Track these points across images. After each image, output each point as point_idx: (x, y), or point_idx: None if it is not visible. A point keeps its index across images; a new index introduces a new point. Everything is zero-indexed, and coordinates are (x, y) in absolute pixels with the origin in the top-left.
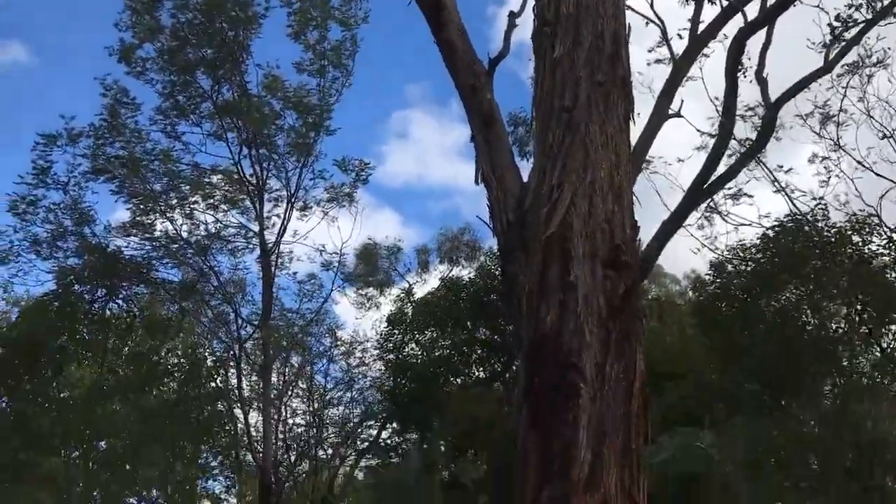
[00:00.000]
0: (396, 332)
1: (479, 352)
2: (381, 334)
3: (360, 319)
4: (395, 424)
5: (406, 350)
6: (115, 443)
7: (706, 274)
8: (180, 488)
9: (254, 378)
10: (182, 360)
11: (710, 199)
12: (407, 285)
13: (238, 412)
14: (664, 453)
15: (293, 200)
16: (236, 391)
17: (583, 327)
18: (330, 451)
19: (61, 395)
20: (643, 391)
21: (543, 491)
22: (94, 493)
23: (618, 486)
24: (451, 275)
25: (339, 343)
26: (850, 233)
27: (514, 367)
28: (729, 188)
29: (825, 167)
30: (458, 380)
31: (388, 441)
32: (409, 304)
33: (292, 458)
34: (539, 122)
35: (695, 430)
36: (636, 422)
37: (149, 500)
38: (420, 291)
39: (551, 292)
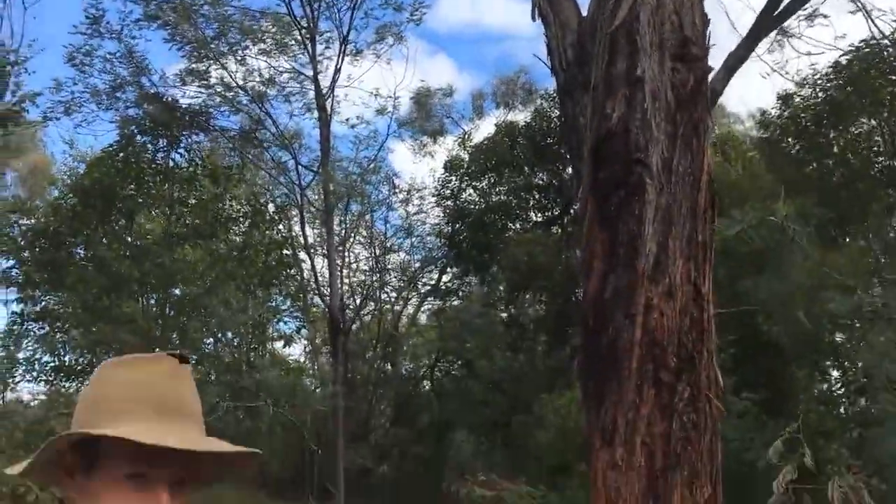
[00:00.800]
0: (454, 178)
1: (536, 196)
2: (439, 181)
3: (417, 164)
4: (454, 269)
5: (463, 196)
6: (190, 288)
7: (773, 107)
8: (253, 330)
9: (317, 224)
10: (246, 206)
11: (783, 22)
12: (462, 132)
13: (303, 256)
14: (737, 226)
15: (345, 42)
16: (301, 238)
17: (650, 122)
18: (393, 295)
19: (135, 242)
20: (710, 186)
21: (608, 283)
22: (173, 335)
23: (682, 277)
24: (507, 119)
25: (396, 190)
26: None
27: (572, 211)
28: (804, 8)
29: None
30: (516, 224)
31: (449, 284)
32: (465, 150)
33: (357, 302)
34: None
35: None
36: (702, 215)
37: (224, 341)
38: (476, 137)
39: (617, 87)
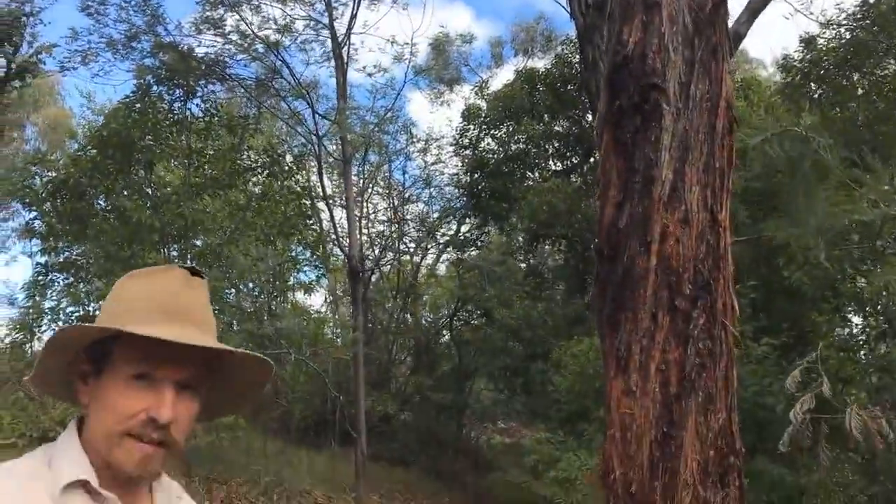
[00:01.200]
0: (472, 127)
1: (556, 145)
2: (457, 130)
3: (434, 114)
4: (473, 219)
5: (482, 145)
6: (210, 239)
7: (796, 50)
8: (274, 279)
9: (335, 175)
10: (263, 155)
11: None
12: (480, 80)
13: (322, 206)
14: (760, 135)
15: None
16: (319, 188)
17: (667, 46)
18: (412, 246)
19: (154, 193)
20: (728, 112)
21: (623, 211)
22: None
23: (699, 204)
24: (526, 66)
25: (414, 140)
26: None
27: (592, 159)
28: None
29: None
30: (535, 173)
31: (468, 235)
32: (483, 99)
33: (376, 252)
34: None
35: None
36: (721, 142)
37: (244, 291)
38: (494, 85)
39: (634, 12)
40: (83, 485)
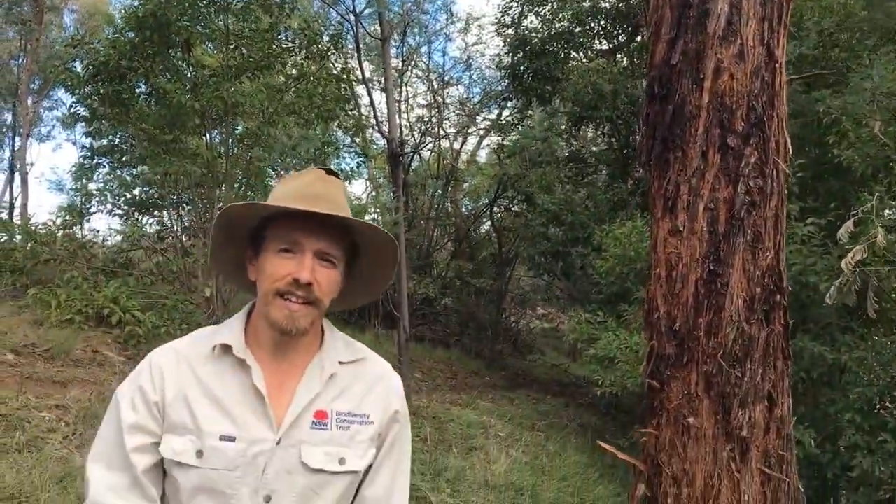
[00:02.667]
0: (514, 3)
1: (601, 22)
2: (498, 8)
3: None
4: (515, 101)
5: (525, 24)
6: (249, 124)
7: None
8: (314, 162)
9: (374, 57)
10: (301, 35)
11: None
12: None
13: (360, 90)
14: None
15: None
16: (357, 71)
17: None
18: (452, 131)
19: (194, 75)
20: None
21: (676, 47)
22: (237, 171)
23: (755, 38)
24: None
25: (454, 19)
26: None
27: (639, 38)
28: None
29: None
30: (580, 53)
31: (509, 118)
32: None
33: (417, 137)
34: None
35: None
36: None
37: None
38: None
39: None
40: (228, 349)
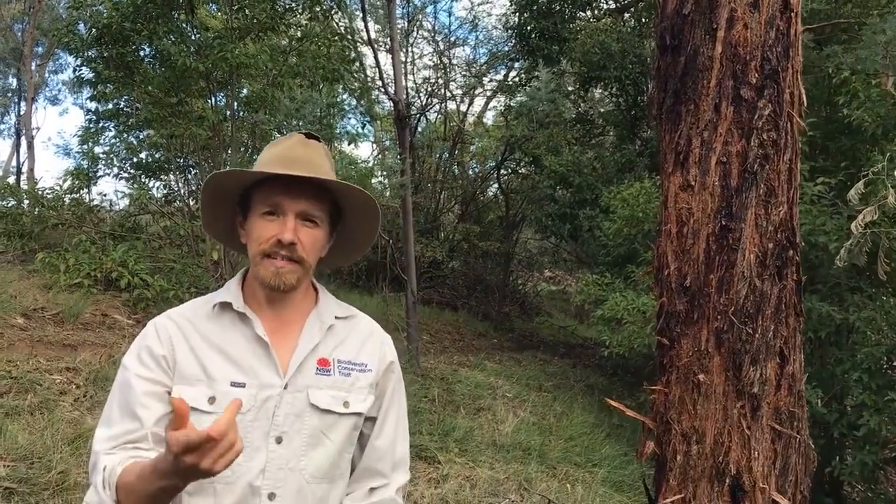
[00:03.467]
0: None
1: None
2: None
3: None
4: (522, 62)
5: None
6: (254, 86)
7: None
8: (321, 128)
9: (379, 16)
10: None
11: None
12: None
13: (365, 52)
14: None
15: None
16: (363, 31)
17: None
18: (458, 93)
19: (198, 37)
20: None
21: None
22: (242, 134)
23: None
24: None
25: None
26: None
27: None
28: None
29: None
30: (587, 12)
31: (516, 79)
32: None
33: (423, 100)
34: None
35: None
36: None
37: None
38: None
39: None
40: (228, 306)
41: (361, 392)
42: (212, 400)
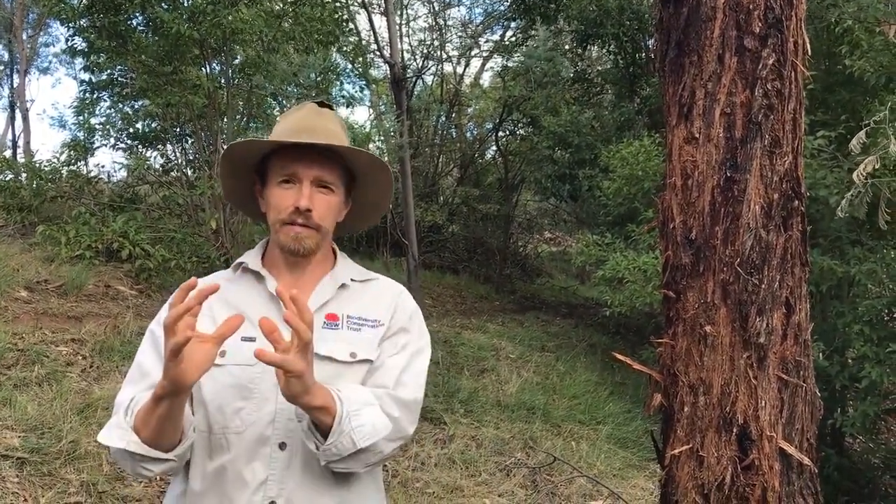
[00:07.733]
0: None
1: None
2: None
3: None
4: (518, 22)
5: None
6: (248, 52)
7: None
8: (317, 93)
9: None
10: None
11: None
12: None
13: (360, 15)
14: None
15: None
16: None
17: None
18: (455, 54)
19: (191, 2)
20: None
21: None
22: (238, 102)
23: None
24: None
25: None
26: None
27: None
28: None
29: None
30: None
31: (513, 39)
32: None
33: (419, 62)
34: None
35: None
36: None
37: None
38: None
39: None
40: (247, 268)
41: (372, 343)
42: (223, 353)
